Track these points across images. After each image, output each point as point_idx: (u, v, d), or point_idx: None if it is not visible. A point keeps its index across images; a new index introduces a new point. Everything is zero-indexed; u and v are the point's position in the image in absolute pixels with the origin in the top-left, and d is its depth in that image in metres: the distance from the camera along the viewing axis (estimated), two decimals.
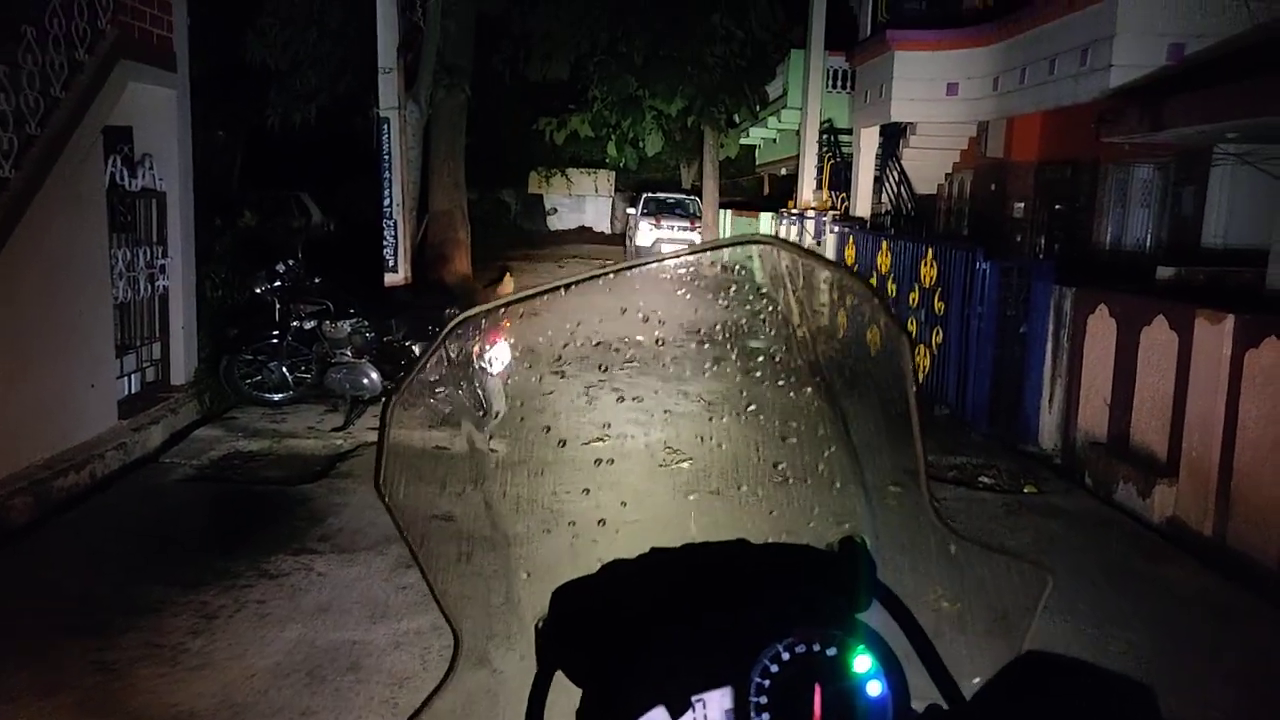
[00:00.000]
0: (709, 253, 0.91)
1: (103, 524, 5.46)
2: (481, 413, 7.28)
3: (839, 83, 18.59)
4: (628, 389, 1.18)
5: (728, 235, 23.53)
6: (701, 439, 1.15)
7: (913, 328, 9.47)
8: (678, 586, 0.80)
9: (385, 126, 8.37)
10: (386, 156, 8.33)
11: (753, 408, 1.02)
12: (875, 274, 10.78)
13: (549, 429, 1.17)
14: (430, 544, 0.95)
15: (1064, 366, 7.55)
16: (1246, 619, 4.76)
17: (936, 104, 12.04)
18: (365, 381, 7.30)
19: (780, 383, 1.02)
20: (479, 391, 7.30)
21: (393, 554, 4.88)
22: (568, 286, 0.87)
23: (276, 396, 7.91)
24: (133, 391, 7.32)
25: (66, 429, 6.12)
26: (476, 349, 7.01)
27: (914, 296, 9.46)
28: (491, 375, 7.04)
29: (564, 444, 1.09)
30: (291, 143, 15.01)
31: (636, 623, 0.78)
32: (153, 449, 6.76)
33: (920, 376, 9.21)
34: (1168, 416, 6.25)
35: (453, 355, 0.93)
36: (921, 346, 9.22)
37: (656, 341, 1.04)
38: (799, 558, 0.85)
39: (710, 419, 1.16)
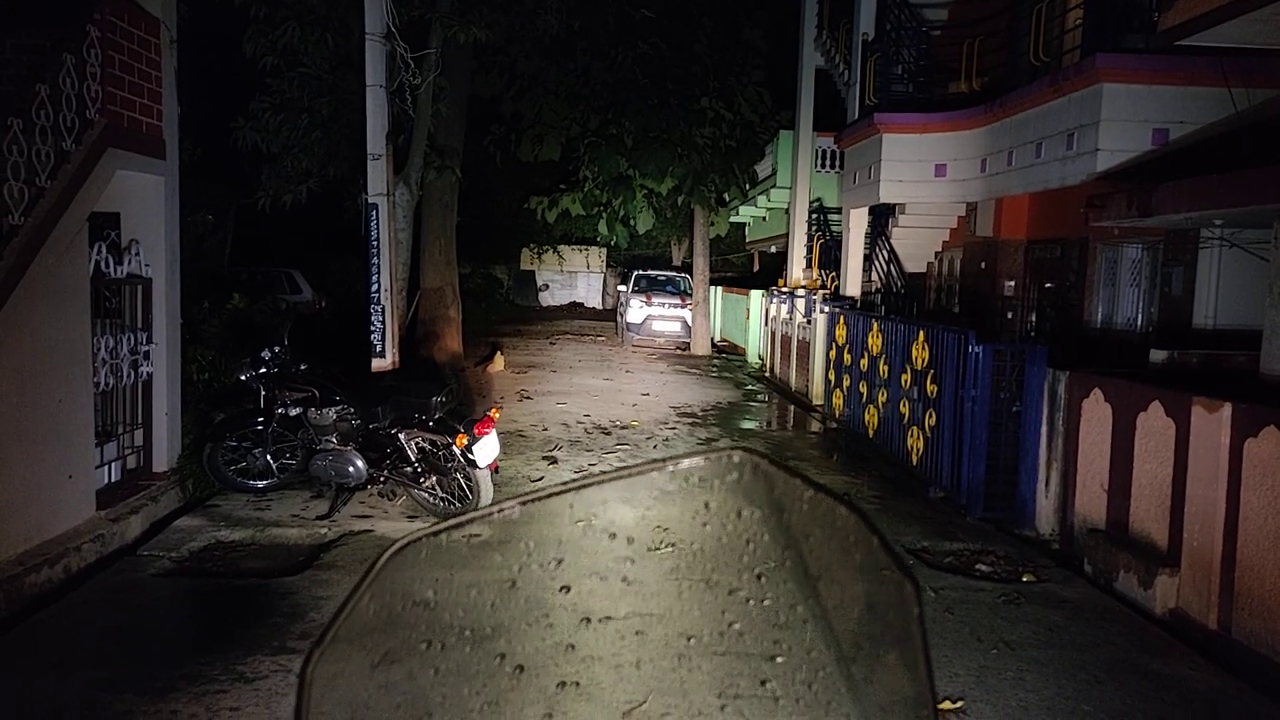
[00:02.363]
0: (687, 461, 0.84)
1: (74, 624, 5.27)
2: (462, 500, 7.17)
3: (828, 163, 18.90)
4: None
5: (719, 313, 23.75)
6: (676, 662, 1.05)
7: (905, 409, 9.42)
8: None
9: (374, 213, 8.38)
10: (375, 243, 8.32)
11: (737, 626, 0.93)
12: (867, 354, 10.76)
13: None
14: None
15: (1060, 450, 7.48)
16: (1250, 718, 4.60)
17: (924, 185, 12.18)
18: (350, 469, 7.17)
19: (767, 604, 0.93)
20: (464, 483, 7.18)
21: (377, 650, 4.69)
22: (525, 501, 0.79)
23: (260, 484, 7.77)
24: (113, 480, 7.17)
25: (41, 522, 5.96)
26: (463, 440, 6.93)
27: (906, 378, 9.42)
28: (479, 467, 6.93)
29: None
30: (283, 222, 15.10)
31: None
32: (131, 540, 6.59)
33: (915, 459, 9.12)
34: (1167, 504, 6.16)
35: (392, 593, 0.85)
36: (915, 429, 9.14)
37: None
38: None
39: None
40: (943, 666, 4.78)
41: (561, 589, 0.95)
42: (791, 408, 14.32)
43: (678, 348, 21.63)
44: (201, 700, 4.23)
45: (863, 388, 10.99)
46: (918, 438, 9.07)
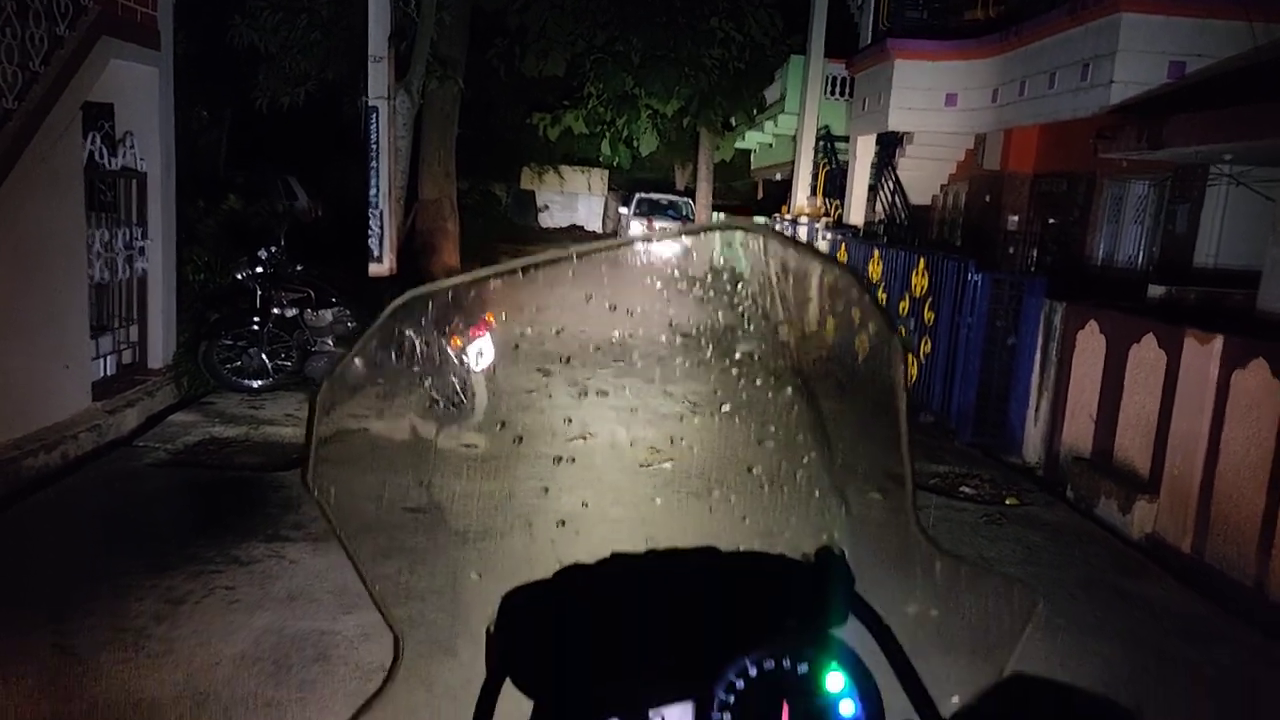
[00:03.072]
0: (692, 238, 0.85)
1: (71, 506, 5.36)
2: (457, 409, 7.21)
3: (837, 90, 18.60)
4: (608, 386, 1.12)
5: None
6: (673, 440, 1.08)
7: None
8: (639, 595, 0.74)
9: (374, 116, 8.27)
10: (374, 146, 8.23)
11: (727, 408, 0.96)
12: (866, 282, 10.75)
13: (503, 424, 1.11)
14: (370, 539, 0.89)
15: (1051, 380, 7.53)
16: (1220, 637, 4.73)
17: (934, 114, 12.03)
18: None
19: (759, 383, 0.96)
20: (458, 386, 7.22)
21: (369, 544, 4.78)
22: (526, 269, 0.80)
23: (255, 383, 7.81)
24: (108, 374, 7.20)
25: (39, 409, 6.00)
26: (459, 342, 6.95)
27: (904, 305, 9.43)
28: (474, 370, 6.95)
29: (520, 440, 1.03)
30: (280, 124, 14.87)
31: (591, 630, 0.72)
32: (127, 432, 6.65)
33: (907, 384, 9.19)
34: (1152, 434, 6.24)
35: (401, 337, 0.87)
36: (909, 355, 9.19)
37: (630, 336, 0.97)
38: (771, 568, 0.78)
39: (683, 419, 1.10)
40: None
41: (557, 331, 0.99)
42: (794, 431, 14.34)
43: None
44: (198, 579, 4.32)
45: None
46: (911, 364, 9.13)
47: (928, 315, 8.76)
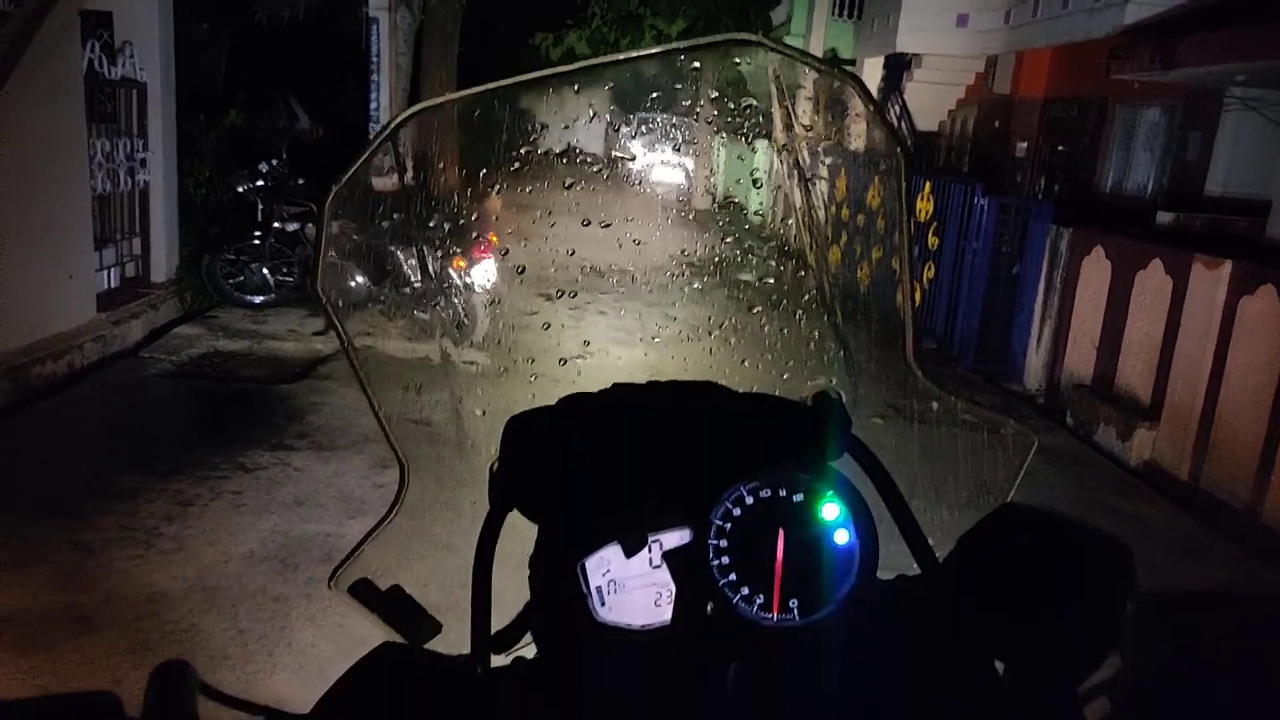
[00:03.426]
0: (688, 52, 0.85)
1: (79, 413, 5.40)
2: (459, 327, 7.21)
3: (845, 10, 18.18)
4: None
5: (722, 164, 23.37)
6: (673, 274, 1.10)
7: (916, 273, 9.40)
8: (639, 421, 0.75)
9: (374, 28, 8.11)
10: (375, 59, 8.09)
11: (730, 240, 0.96)
12: (867, 208, 10.66)
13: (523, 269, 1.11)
14: (379, 368, 0.90)
15: (1055, 307, 7.52)
16: (1211, 555, 4.81)
17: (945, 35, 11.79)
18: (349, 286, 7.18)
19: (766, 233, 0.96)
20: (461, 307, 7.21)
21: (370, 453, 4.85)
22: (524, 83, 0.80)
23: (258, 299, 7.80)
24: (112, 286, 7.19)
25: (44, 318, 6.01)
26: (462, 264, 6.91)
27: None
28: (475, 292, 6.94)
29: (522, 271, 1.04)
30: (280, 43, 14.57)
31: (593, 457, 0.73)
32: (131, 343, 6.67)
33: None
34: (1155, 362, 6.25)
35: (397, 151, 0.88)
36: (912, 280, 9.16)
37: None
38: (770, 407, 0.79)
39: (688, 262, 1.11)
40: None
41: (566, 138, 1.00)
42: (792, 269, 14.29)
43: (679, 198, 21.43)
44: (205, 483, 4.38)
45: (873, 250, 10.94)
46: (915, 289, 9.09)
47: (932, 240, 8.71)
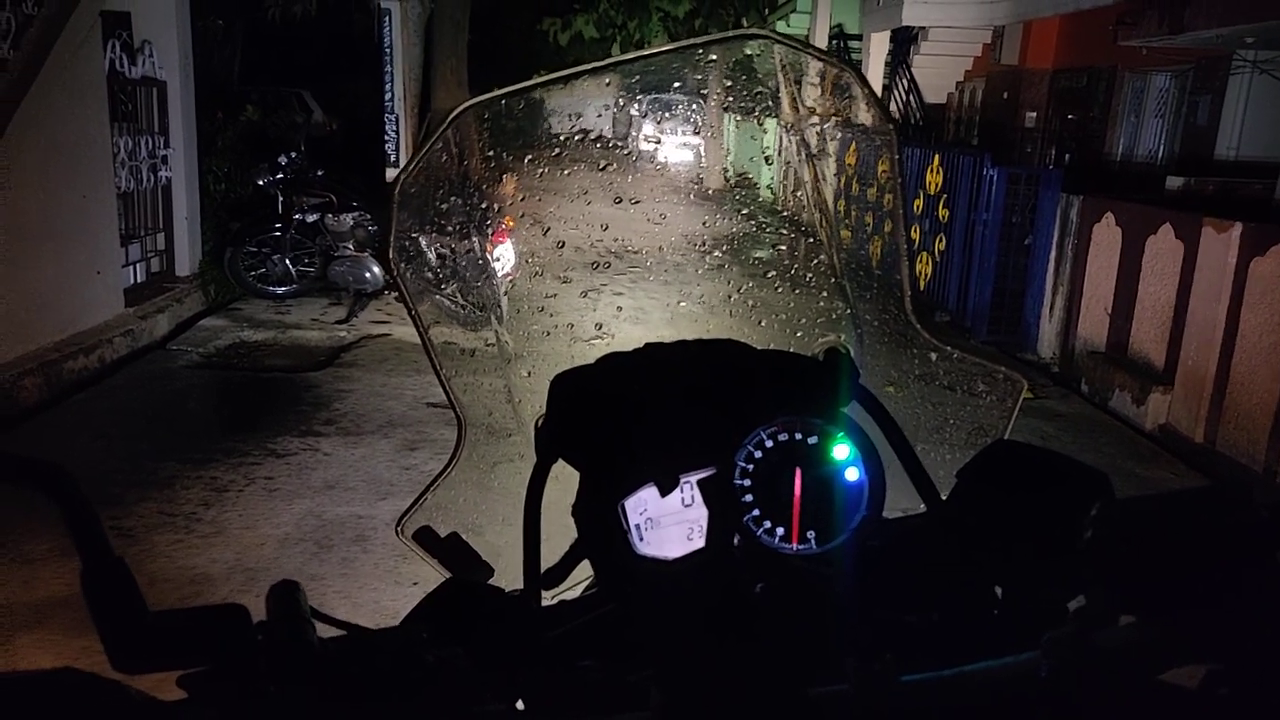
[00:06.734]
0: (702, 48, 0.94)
1: (112, 405, 5.55)
2: (480, 310, 7.32)
3: None
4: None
5: (732, 144, 23.34)
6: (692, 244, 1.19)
7: (916, 235, 9.43)
8: (670, 375, 0.84)
9: (387, 18, 8.19)
10: (388, 50, 8.17)
11: (744, 213, 1.05)
12: (876, 182, 10.68)
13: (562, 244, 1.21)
14: (439, 337, 1.00)
15: (1067, 275, 7.55)
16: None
17: (952, 7, 11.74)
18: (368, 275, 7.32)
19: (776, 205, 1.06)
20: (483, 290, 7.32)
21: (397, 438, 4.98)
22: (567, 79, 0.89)
23: (280, 289, 7.94)
24: (138, 281, 7.35)
25: (74, 314, 6.16)
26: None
27: (918, 204, 9.39)
28: (496, 276, 7.04)
29: (561, 245, 1.13)
30: (292, 40, 14.67)
31: (630, 407, 0.82)
32: (159, 336, 6.82)
33: (922, 284, 9.22)
34: (1168, 326, 6.29)
35: (455, 150, 0.97)
36: (924, 254, 9.21)
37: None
38: (786, 361, 0.89)
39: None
40: None
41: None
42: (803, 238, 14.31)
43: (696, 177, 21.41)
44: (238, 470, 4.52)
45: (869, 217, 10.96)
46: (926, 263, 9.14)
47: (942, 213, 8.74)
